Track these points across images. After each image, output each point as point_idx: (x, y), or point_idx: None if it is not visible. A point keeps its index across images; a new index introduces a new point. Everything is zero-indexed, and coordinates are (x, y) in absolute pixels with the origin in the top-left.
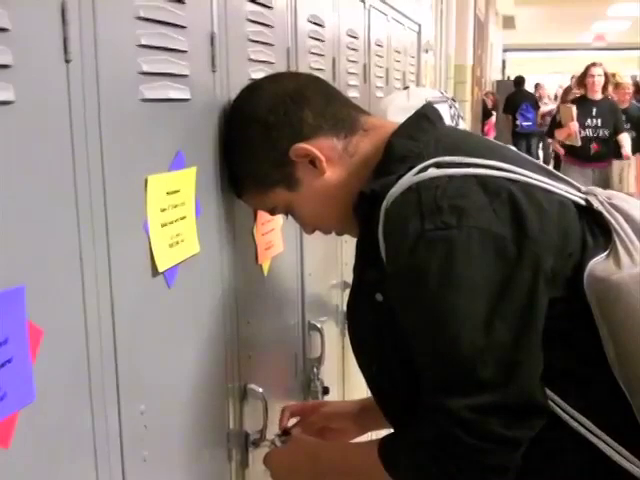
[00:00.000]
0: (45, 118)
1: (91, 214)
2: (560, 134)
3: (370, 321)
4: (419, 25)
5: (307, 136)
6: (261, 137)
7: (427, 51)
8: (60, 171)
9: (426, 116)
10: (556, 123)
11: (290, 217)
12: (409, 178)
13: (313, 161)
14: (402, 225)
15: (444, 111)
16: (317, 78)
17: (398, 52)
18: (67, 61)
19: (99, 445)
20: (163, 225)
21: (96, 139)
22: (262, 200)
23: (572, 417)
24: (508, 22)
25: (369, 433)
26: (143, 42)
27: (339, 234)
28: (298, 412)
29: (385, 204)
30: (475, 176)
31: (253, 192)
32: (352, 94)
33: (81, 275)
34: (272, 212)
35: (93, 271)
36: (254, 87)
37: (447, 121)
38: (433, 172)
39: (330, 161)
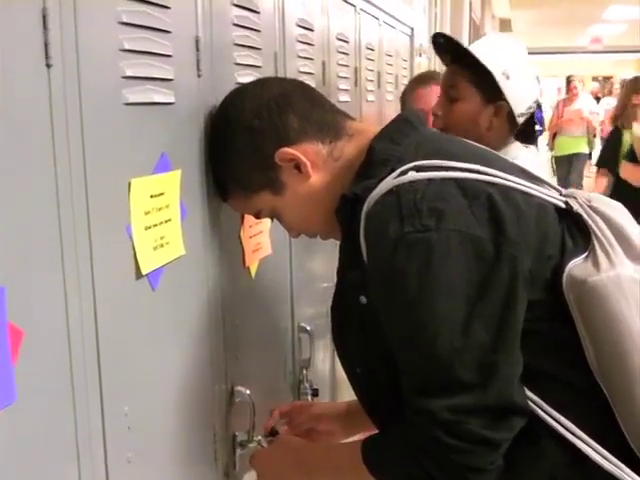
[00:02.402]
0: (26, 122)
1: (73, 216)
2: (632, 174)
3: (354, 323)
4: (412, 29)
5: (292, 141)
6: (246, 141)
7: (420, 54)
8: (42, 174)
9: (408, 120)
10: (626, 154)
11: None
12: (389, 181)
13: (298, 166)
14: (382, 228)
15: None
16: (302, 83)
17: (390, 55)
18: (48, 66)
19: (82, 446)
20: (147, 228)
21: (78, 143)
22: (247, 204)
23: (552, 417)
24: (505, 25)
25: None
26: (126, 47)
27: (324, 238)
28: (287, 413)
29: (366, 207)
30: (454, 179)
31: (238, 196)
32: (343, 98)
33: (63, 277)
34: (257, 216)
35: (75, 273)
36: (239, 92)
37: None
38: (413, 175)
39: (315, 166)
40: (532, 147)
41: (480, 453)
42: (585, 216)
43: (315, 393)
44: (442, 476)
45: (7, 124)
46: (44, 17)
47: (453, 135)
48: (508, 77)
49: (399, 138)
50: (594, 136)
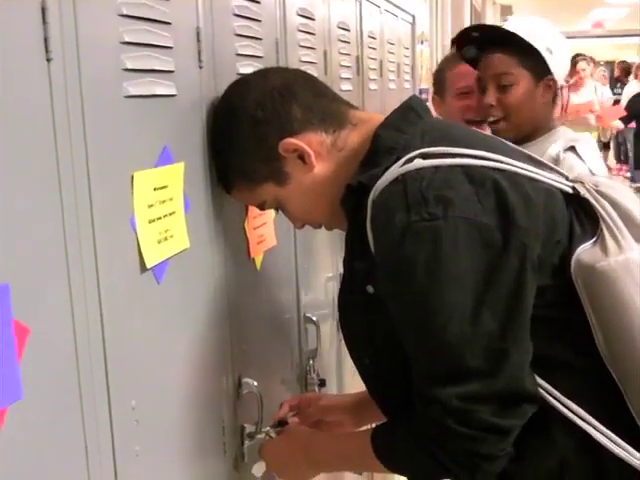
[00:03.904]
0: (27, 117)
1: (76, 211)
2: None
3: (362, 313)
4: (413, 16)
5: (296, 131)
6: (250, 132)
7: (422, 42)
8: (44, 169)
9: (413, 108)
10: None
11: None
12: (395, 169)
13: (302, 156)
14: (389, 217)
15: None
16: (305, 73)
17: (392, 44)
18: (48, 60)
19: (90, 441)
20: (151, 221)
21: (80, 136)
22: (251, 195)
23: (562, 404)
24: (506, 11)
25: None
26: (126, 39)
27: (328, 228)
28: (296, 405)
29: (372, 196)
30: (461, 166)
31: (242, 188)
32: (345, 87)
33: (67, 272)
34: (261, 207)
35: (80, 268)
36: (242, 82)
37: None
38: (419, 163)
39: (319, 156)
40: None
41: (490, 440)
42: (593, 201)
43: (322, 384)
44: (452, 464)
45: (8, 119)
46: (43, 11)
47: (514, 120)
48: (551, 52)
49: (404, 126)
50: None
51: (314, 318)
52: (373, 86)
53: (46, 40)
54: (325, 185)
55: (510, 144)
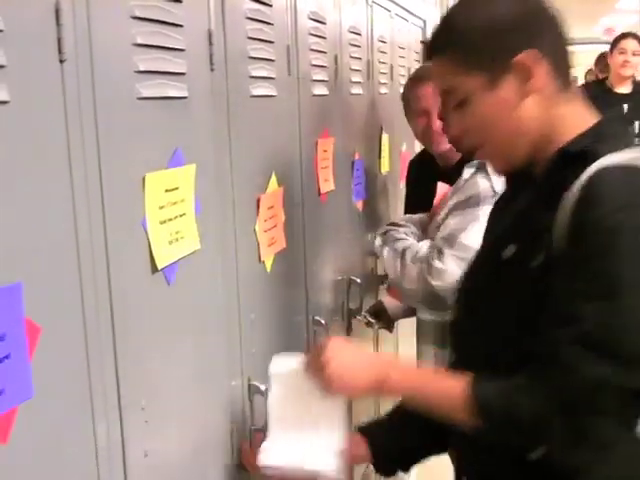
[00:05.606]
0: (40, 117)
1: (88, 211)
2: None
3: (511, 290)
4: (424, 21)
5: (539, 56)
6: (506, 22)
7: None
8: (57, 170)
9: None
10: None
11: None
12: (626, 155)
13: (525, 80)
14: (605, 195)
15: None
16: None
17: (402, 48)
18: (61, 61)
19: (99, 440)
20: (162, 222)
21: (92, 138)
22: (450, 76)
23: None
24: None
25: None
26: (139, 41)
27: (477, 157)
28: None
29: (595, 170)
30: None
31: (453, 59)
32: (355, 90)
33: (79, 272)
34: (444, 97)
35: (91, 268)
36: None
37: None
38: None
39: (537, 92)
40: None
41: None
42: None
43: None
44: (569, 434)
45: (22, 120)
46: (57, 12)
47: None
48: None
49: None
50: None
51: (323, 321)
52: (383, 90)
53: (59, 41)
54: (521, 120)
55: None
